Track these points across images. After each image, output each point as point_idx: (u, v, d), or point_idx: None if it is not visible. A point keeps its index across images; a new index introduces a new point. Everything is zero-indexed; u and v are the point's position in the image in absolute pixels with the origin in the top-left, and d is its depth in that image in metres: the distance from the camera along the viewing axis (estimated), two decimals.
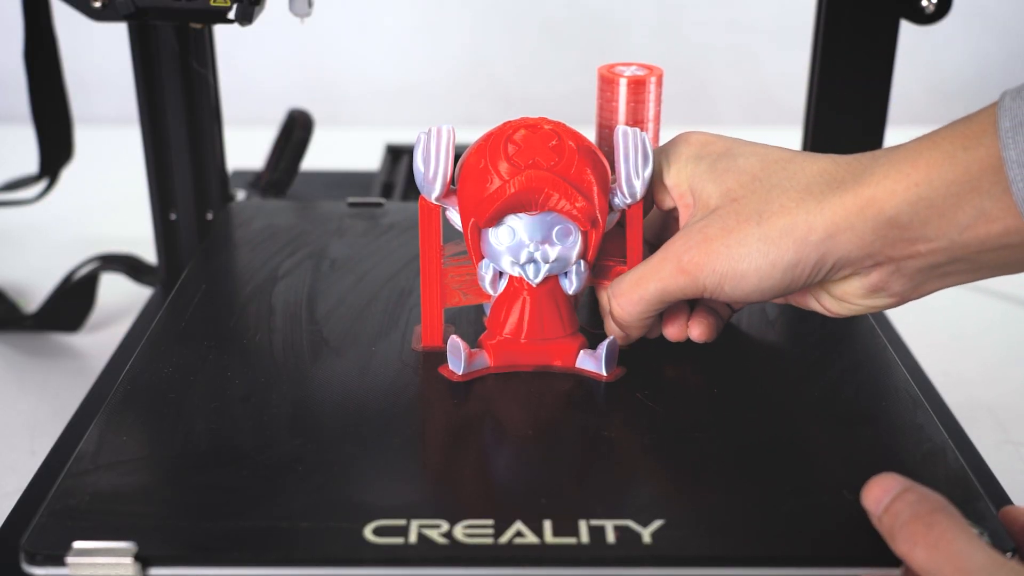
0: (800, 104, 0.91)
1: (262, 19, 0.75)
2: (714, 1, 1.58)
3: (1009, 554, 0.48)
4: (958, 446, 0.58)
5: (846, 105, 0.85)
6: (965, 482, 0.52)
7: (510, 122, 0.61)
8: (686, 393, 0.61)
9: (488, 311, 0.64)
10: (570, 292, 0.62)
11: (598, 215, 0.60)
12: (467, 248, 0.62)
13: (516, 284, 0.62)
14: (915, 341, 0.84)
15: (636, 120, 0.68)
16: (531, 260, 0.60)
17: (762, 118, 1.61)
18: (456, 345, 0.61)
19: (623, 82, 0.67)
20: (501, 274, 0.62)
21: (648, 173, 0.61)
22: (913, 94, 1.58)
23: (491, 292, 0.63)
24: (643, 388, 0.61)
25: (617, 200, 0.61)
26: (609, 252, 0.64)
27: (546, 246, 0.60)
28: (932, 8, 0.77)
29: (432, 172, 0.60)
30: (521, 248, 0.60)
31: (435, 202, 0.61)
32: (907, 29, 0.81)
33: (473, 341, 0.64)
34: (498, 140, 0.59)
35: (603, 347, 0.62)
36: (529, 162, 0.58)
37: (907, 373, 0.62)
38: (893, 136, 0.91)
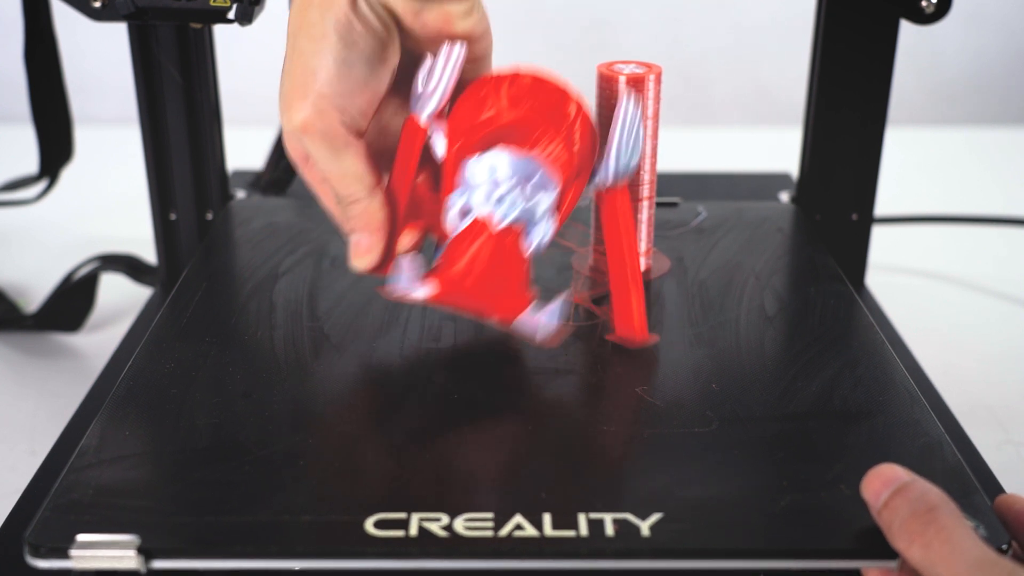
0: (800, 104, 0.91)
1: (262, 19, 0.75)
2: (714, 1, 1.59)
3: (1004, 546, 0.48)
4: (958, 446, 0.59)
5: (846, 105, 0.85)
6: (962, 476, 0.52)
7: (521, 68, 0.61)
8: (685, 388, 0.61)
9: (439, 253, 0.63)
10: (530, 248, 0.61)
11: (582, 173, 0.60)
12: (442, 176, 0.61)
13: (479, 226, 0.60)
14: (915, 341, 0.84)
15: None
16: (504, 199, 0.59)
17: (762, 118, 1.62)
18: (408, 265, 0.61)
19: (622, 80, 0.67)
20: (468, 212, 0.61)
21: (634, 164, 0.62)
22: (913, 94, 1.58)
23: (451, 228, 0.61)
24: (643, 383, 0.61)
25: (598, 176, 0.62)
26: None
27: (522, 189, 0.59)
28: (932, 8, 0.77)
29: (432, 88, 0.60)
30: (498, 185, 0.59)
31: (424, 122, 0.61)
32: (907, 29, 0.81)
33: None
34: (507, 76, 0.60)
35: (547, 311, 0.61)
36: (534, 100, 0.59)
37: (905, 370, 0.62)
38: (893, 136, 0.92)
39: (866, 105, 0.85)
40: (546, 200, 0.60)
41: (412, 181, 0.62)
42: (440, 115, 0.61)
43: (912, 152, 1.36)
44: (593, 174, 0.62)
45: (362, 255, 0.62)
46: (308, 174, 0.63)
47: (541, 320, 0.61)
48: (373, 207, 0.61)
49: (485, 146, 0.59)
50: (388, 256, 0.62)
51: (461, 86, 0.61)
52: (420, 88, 0.60)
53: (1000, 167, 1.39)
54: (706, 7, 1.59)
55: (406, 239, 0.63)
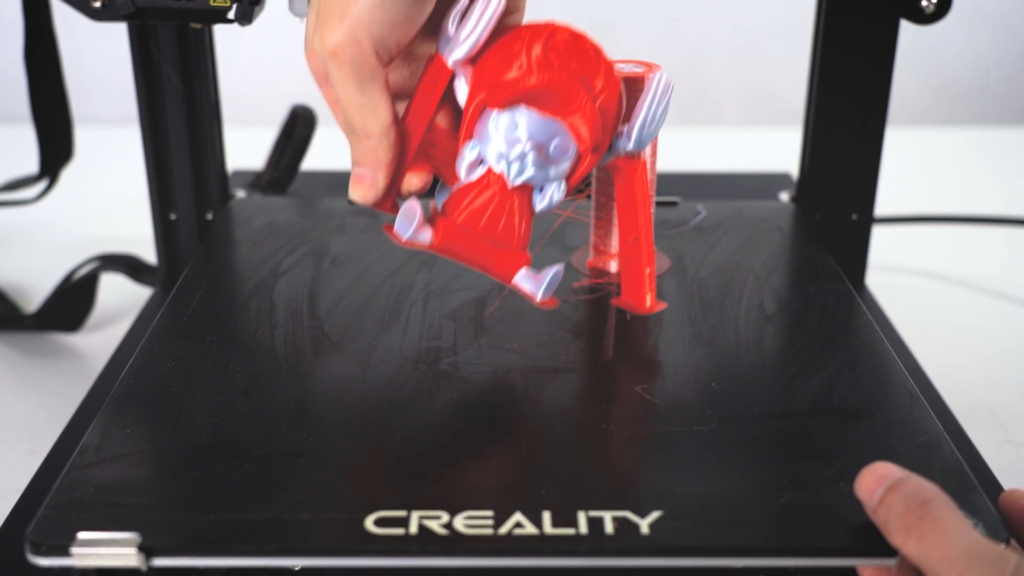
0: (800, 104, 0.91)
1: (262, 19, 0.75)
2: (714, 1, 1.59)
3: (1003, 544, 0.48)
4: (957, 445, 0.59)
5: (846, 105, 0.85)
6: (960, 475, 0.53)
7: (557, 24, 0.59)
8: (685, 387, 0.61)
9: (441, 199, 0.62)
10: (537, 209, 0.61)
11: (602, 145, 0.59)
12: (461, 122, 0.60)
13: (491, 178, 0.60)
14: (915, 341, 0.84)
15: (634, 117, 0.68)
16: (520, 158, 0.59)
17: (762, 118, 1.62)
18: (413, 210, 0.60)
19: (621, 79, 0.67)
20: (481, 163, 0.60)
21: (658, 130, 0.61)
22: (913, 94, 1.58)
23: (462, 176, 0.61)
24: (642, 382, 0.61)
25: (620, 143, 0.61)
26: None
27: (540, 151, 0.59)
28: (932, 8, 0.77)
29: (466, 34, 0.58)
30: (516, 143, 0.59)
31: (451, 65, 0.59)
32: (907, 29, 0.81)
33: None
34: (543, 31, 0.58)
35: (547, 272, 0.61)
36: (566, 64, 0.58)
37: (904, 368, 0.62)
38: (893, 136, 0.92)
39: (866, 105, 0.85)
40: (564, 163, 0.60)
41: (429, 121, 0.61)
42: (468, 61, 0.59)
43: (912, 152, 1.36)
44: (612, 144, 0.61)
45: (363, 189, 0.60)
46: (324, 92, 0.61)
47: (538, 283, 0.61)
48: (384, 146, 0.59)
49: (515, 100, 0.58)
50: (390, 193, 0.61)
51: (493, 33, 0.59)
52: (452, 31, 0.58)
53: (1000, 167, 1.39)
54: (706, 7, 1.59)
55: (414, 180, 0.62)
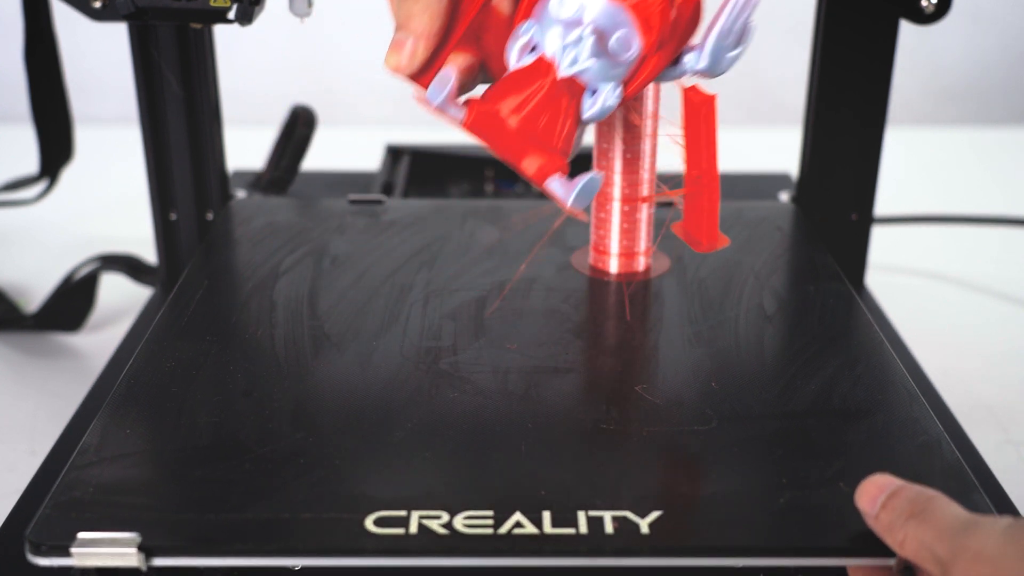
0: (800, 104, 0.91)
1: (262, 19, 0.75)
2: (714, 2, 1.59)
3: None
4: (957, 445, 0.59)
5: (846, 105, 0.85)
6: (960, 475, 0.53)
7: None
8: (685, 387, 0.61)
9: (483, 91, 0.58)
10: (587, 114, 0.56)
11: (667, 47, 0.55)
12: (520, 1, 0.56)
13: (543, 67, 0.55)
14: (914, 341, 0.84)
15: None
16: (576, 44, 0.54)
17: (762, 118, 1.62)
18: (447, 76, 0.56)
19: None
20: (533, 49, 0.56)
21: (735, 54, 0.55)
22: (913, 94, 1.58)
23: (512, 61, 0.56)
24: (642, 381, 0.61)
25: (687, 59, 0.56)
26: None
27: (600, 40, 0.53)
28: (932, 8, 0.77)
29: None
30: (575, 26, 0.54)
31: None
32: (907, 29, 0.81)
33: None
34: None
35: (582, 178, 0.57)
36: None
37: (904, 368, 0.62)
38: (893, 136, 0.92)
39: (866, 105, 0.85)
40: (623, 60, 0.54)
41: (482, 2, 0.56)
42: None
43: (912, 152, 1.36)
44: (681, 56, 0.56)
45: (399, 56, 0.56)
46: None
47: (571, 188, 0.57)
48: (432, 11, 0.55)
49: None
50: (429, 68, 0.56)
51: None
52: None
53: (1000, 167, 1.39)
54: (706, 7, 1.59)
55: (458, 59, 0.57)
